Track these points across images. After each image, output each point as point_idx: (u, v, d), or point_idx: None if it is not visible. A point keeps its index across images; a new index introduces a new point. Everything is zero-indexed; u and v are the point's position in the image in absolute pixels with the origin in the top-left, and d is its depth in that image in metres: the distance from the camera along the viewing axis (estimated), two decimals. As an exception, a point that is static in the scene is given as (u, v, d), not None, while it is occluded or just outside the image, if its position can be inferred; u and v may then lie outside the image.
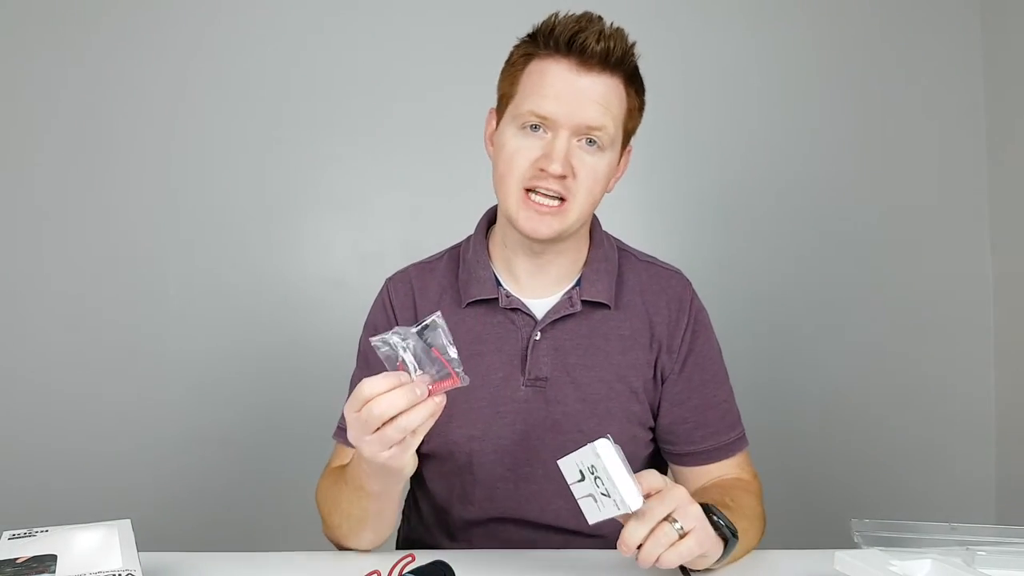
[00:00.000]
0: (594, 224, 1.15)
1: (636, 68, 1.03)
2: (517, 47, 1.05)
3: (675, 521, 0.82)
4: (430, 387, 0.81)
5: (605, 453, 0.80)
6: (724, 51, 2.06)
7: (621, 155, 1.07)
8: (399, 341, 0.81)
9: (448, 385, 0.82)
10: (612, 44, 0.98)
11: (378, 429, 0.80)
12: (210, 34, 2.03)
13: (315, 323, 2.03)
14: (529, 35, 1.04)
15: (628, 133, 1.06)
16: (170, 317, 2.03)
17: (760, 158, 2.06)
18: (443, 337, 0.81)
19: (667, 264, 1.16)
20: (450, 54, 2.02)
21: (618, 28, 1.01)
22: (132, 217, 2.02)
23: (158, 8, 2.02)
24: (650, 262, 1.16)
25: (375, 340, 0.82)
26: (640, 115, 1.07)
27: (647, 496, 0.83)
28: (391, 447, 0.82)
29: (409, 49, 2.03)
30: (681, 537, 0.82)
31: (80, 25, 2.01)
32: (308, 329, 2.04)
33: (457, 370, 0.81)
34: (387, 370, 0.82)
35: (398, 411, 0.79)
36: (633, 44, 1.02)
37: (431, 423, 0.82)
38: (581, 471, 0.82)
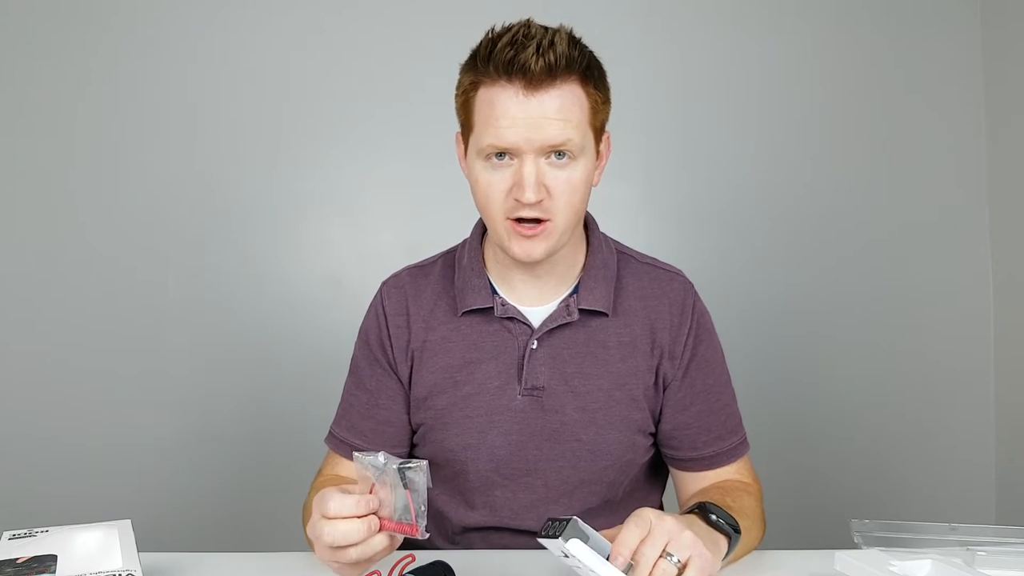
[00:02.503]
0: (591, 228, 1.12)
1: (589, 62, 0.97)
2: (463, 72, 1.00)
3: (670, 555, 0.79)
4: (383, 521, 0.82)
5: (576, 550, 0.76)
6: (723, 52, 2.06)
7: (597, 150, 1.02)
8: (381, 465, 0.81)
9: (405, 531, 0.82)
10: (552, 57, 0.92)
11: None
12: (210, 34, 2.03)
13: (315, 323, 2.03)
14: (471, 56, 0.99)
15: (598, 128, 1.01)
16: (169, 316, 2.03)
17: (759, 159, 2.06)
18: (423, 484, 0.81)
19: (668, 266, 1.14)
20: (450, 52, 2.02)
21: (555, 31, 0.96)
22: (131, 217, 2.02)
23: (160, 9, 2.02)
24: (651, 264, 1.13)
25: (359, 456, 0.83)
26: (607, 105, 1.01)
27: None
28: (338, 563, 0.83)
29: (409, 48, 2.03)
30: (681, 570, 0.79)
31: (83, 27, 2.01)
32: (308, 329, 2.03)
33: (420, 523, 0.81)
34: (358, 480, 0.84)
35: (349, 543, 0.81)
36: (578, 41, 0.97)
37: (386, 554, 0.84)
38: (563, 552, 0.79)
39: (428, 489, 0.81)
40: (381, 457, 0.82)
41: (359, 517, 0.81)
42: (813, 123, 2.06)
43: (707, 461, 1.09)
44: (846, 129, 2.06)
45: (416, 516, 0.80)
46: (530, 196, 0.94)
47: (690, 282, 1.12)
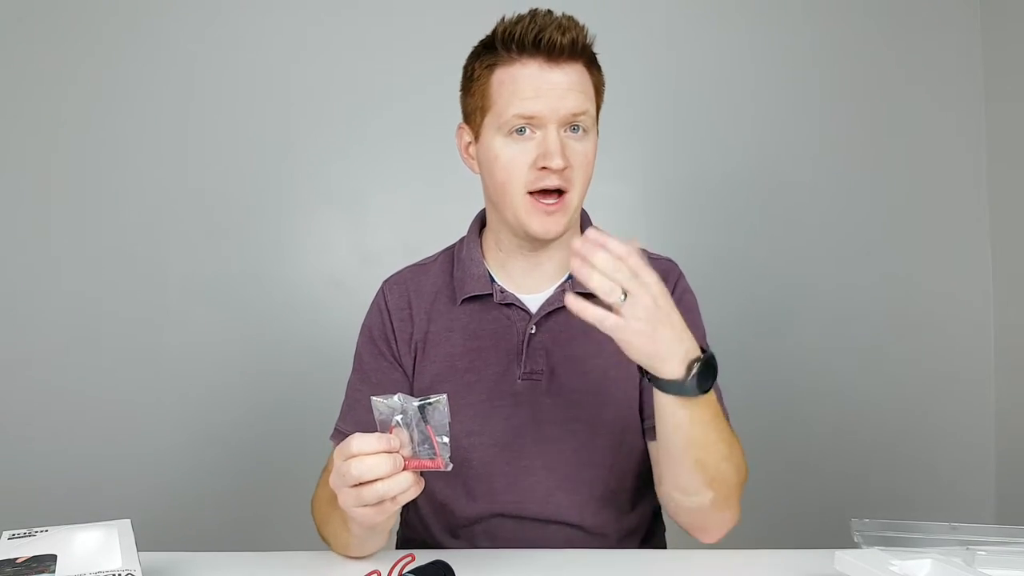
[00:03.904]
0: (584, 220, 1.16)
1: (592, 53, 1.06)
2: (477, 61, 1.06)
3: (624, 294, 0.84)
4: (407, 460, 0.82)
5: None
6: (721, 49, 2.05)
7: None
8: (399, 406, 0.82)
9: (429, 466, 0.82)
10: (576, 34, 1.01)
11: (356, 486, 0.82)
12: (211, 34, 2.03)
13: (315, 323, 2.03)
14: (483, 45, 1.05)
15: (599, 111, 1.09)
16: (170, 317, 2.02)
17: (758, 157, 2.06)
18: (444, 419, 0.82)
19: (658, 255, 1.16)
20: (450, 52, 2.02)
21: (570, 16, 1.03)
22: (131, 217, 2.02)
23: (160, 9, 2.02)
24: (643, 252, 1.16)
25: (377, 399, 0.83)
26: (603, 95, 1.10)
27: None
28: (365, 506, 0.83)
29: (409, 48, 2.03)
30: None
31: (85, 27, 2.01)
32: (308, 329, 2.03)
33: (444, 456, 0.82)
34: (377, 428, 0.83)
35: (376, 477, 0.81)
36: (585, 27, 1.04)
37: (412, 494, 0.83)
38: None
39: (448, 424, 0.82)
40: (397, 398, 0.83)
41: (384, 453, 0.81)
42: (812, 123, 2.06)
43: None
44: (845, 129, 2.06)
45: (439, 448, 0.81)
46: (558, 162, 0.99)
47: (678, 268, 1.15)
